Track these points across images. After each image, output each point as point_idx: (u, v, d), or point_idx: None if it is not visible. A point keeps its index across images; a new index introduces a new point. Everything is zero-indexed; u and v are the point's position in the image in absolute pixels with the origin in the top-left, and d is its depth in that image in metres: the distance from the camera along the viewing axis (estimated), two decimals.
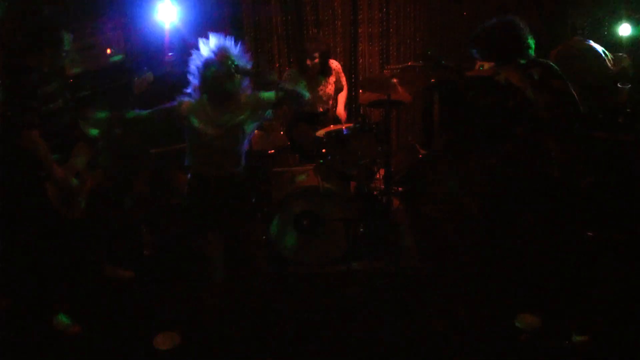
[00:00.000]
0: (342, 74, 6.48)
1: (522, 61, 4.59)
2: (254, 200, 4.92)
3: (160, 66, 6.17)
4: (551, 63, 4.69)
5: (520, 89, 4.54)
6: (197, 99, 4.26)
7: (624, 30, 5.96)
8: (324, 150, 5.62)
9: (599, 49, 5.81)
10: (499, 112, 4.58)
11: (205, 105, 4.25)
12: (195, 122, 4.22)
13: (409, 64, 6.81)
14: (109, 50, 5.80)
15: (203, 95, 4.25)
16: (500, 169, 4.74)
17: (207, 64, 4.20)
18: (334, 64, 6.35)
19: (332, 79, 6.32)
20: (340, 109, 6.45)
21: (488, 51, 4.64)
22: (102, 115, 4.56)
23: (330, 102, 6.47)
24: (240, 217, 4.48)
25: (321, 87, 6.28)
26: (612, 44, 6.02)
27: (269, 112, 4.40)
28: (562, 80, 4.59)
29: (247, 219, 4.55)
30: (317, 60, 6.12)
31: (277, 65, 6.90)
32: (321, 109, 6.36)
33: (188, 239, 4.53)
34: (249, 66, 4.30)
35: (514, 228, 5.29)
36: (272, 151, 5.81)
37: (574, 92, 4.63)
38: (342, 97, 6.50)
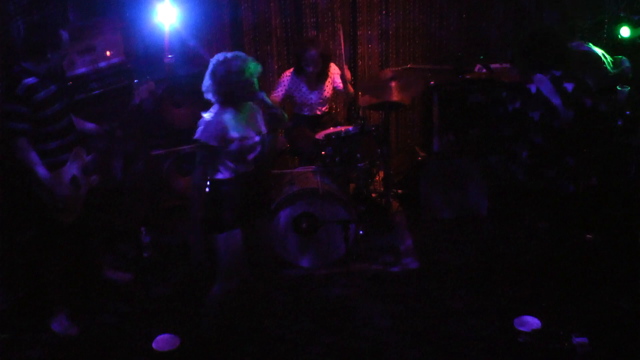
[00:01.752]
0: (339, 77, 6.44)
1: (557, 73, 4.57)
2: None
3: (159, 68, 6.17)
4: (586, 80, 4.69)
5: (550, 101, 4.52)
6: (223, 112, 4.21)
7: (624, 32, 5.96)
8: (323, 153, 5.62)
9: (599, 51, 5.81)
10: (523, 119, 4.56)
11: (235, 115, 4.23)
12: (236, 134, 4.19)
13: (409, 66, 6.82)
14: (108, 53, 5.80)
15: (228, 107, 4.21)
16: (502, 171, 4.73)
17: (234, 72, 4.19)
18: (332, 67, 6.34)
19: (330, 82, 6.30)
20: (348, 88, 6.41)
21: (528, 60, 4.61)
22: None
23: (328, 104, 6.46)
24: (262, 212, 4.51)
25: (319, 92, 6.27)
26: (612, 46, 6.02)
27: None
28: (594, 99, 4.58)
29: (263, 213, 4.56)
30: (317, 66, 6.10)
31: (276, 67, 6.89)
32: (319, 112, 6.36)
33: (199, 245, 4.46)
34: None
35: (514, 230, 5.31)
36: None
37: (606, 111, 4.63)
38: (345, 96, 6.47)
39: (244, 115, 4.23)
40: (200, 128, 4.08)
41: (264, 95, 4.29)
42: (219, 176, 4.21)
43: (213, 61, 4.20)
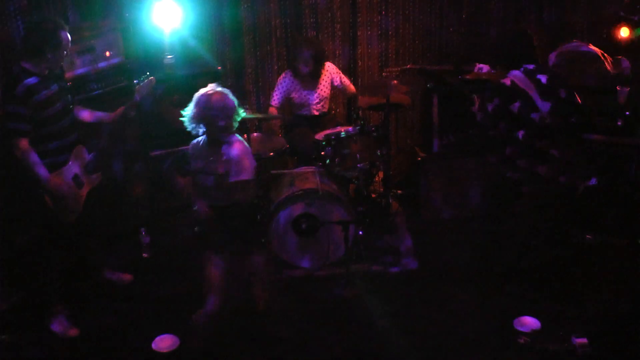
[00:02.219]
0: (338, 73, 6.44)
1: (530, 66, 4.62)
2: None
3: (159, 69, 6.17)
4: (559, 73, 4.76)
5: (526, 92, 4.55)
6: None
7: (623, 32, 5.96)
8: (323, 153, 5.62)
9: (598, 51, 5.81)
10: (503, 115, 4.60)
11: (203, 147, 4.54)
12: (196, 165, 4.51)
13: (408, 66, 6.82)
14: (108, 53, 5.79)
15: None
16: (499, 171, 4.74)
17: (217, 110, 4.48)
18: (327, 65, 6.34)
19: (327, 80, 6.30)
20: (351, 88, 6.48)
21: (498, 56, 4.70)
22: None
23: (327, 104, 6.46)
24: (248, 241, 4.59)
25: (316, 92, 6.28)
26: (611, 46, 6.02)
27: None
28: (569, 90, 4.63)
29: (253, 242, 4.66)
30: (310, 66, 6.12)
31: (276, 67, 6.89)
32: (316, 112, 6.36)
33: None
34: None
35: (513, 231, 5.30)
36: (272, 154, 5.81)
37: (579, 102, 4.66)
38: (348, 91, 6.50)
39: (211, 151, 4.49)
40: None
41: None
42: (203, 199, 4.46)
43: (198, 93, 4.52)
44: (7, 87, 4.50)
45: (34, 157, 4.48)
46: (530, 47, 4.75)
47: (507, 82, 4.62)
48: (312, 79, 6.23)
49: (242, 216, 4.63)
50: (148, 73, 5.11)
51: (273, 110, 6.27)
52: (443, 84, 6.14)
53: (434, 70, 6.59)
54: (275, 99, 6.26)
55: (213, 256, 4.38)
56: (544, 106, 4.56)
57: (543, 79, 4.62)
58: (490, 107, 4.64)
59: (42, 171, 4.51)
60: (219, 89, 4.54)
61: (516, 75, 4.62)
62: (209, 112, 4.46)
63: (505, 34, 4.81)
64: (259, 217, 5.32)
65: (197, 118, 4.48)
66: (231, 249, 4.43)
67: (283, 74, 6.33)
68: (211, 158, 4.51)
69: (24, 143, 4.45)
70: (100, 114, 5.01)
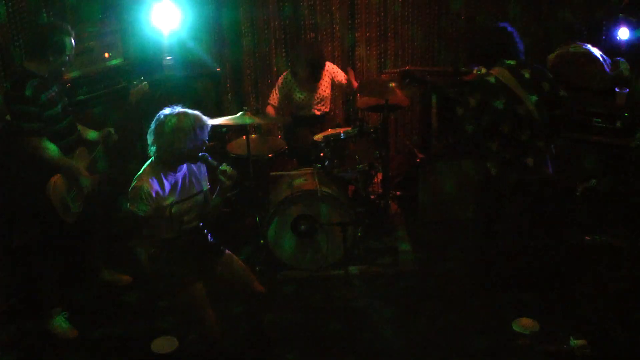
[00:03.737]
0: (338, 72, 6.43)
1: (511, 62, 4.64)
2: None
3: (158, 70, 6.18)
4: (541, 67, 4.77)
5: (510, 87, 4.57)
6: (152, 165, 4.03)
7: (623, 34, 5.96)
8: (322, 155, 5.62)
9: (597, 53, 5.82)
10: (488, 110, 4.61)
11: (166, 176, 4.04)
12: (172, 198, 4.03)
13: (407, 68, 6.82)
14: (106, 55, 5.80)
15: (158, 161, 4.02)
16: (489, 168, 4.74)
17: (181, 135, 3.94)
18: (327, 65, 6.34)
19: (327, 80, 6.31)
20: (353, 82, 6.42)
21: (476, 53, 4.72)
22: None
23: (328, 103, 6.47)
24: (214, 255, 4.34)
25: (317, 92, 6.28)
26: (611, 48, 6.02)
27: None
28: (552, 84, 4.65)
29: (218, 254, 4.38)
30: (307, 70, 6.11)
31: (275, 69, 6.90)
32: (318, 112, 6.36)
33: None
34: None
35: (512, 231, 5.30)
36: (271, 155, 5.81)
37: (564, 95, 4.67)
38: (352, 79, 6.46)
39: (182, 175, 4.08)
40: (130, 193, 3.91)
41: (209, 156, 4.10)
42: (165, 236, 4.08)
43: (159, 115, 4.00)
44: (14, 89, 4.49)
45: (55, 150, 4.51)
46: (511, 43, 4.73)
47: (491, 79, 4.63)
48: (311, 79, 6.24)
49: (209, 228, 4.43)
50: (142, 77, 5.12)
51: (270, 110, 6.26)
52: (442, 85, 6.13)
53: (434, 71, 6.61)
54: (275, 98, 6.26)
55: (191, 284, 4.12)
56: (528, 100, 4.59)
57: (526, 73, 4.64)
58: (474, 101, 4.64)
59: (67, 160, 4.58)
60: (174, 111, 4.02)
61: (499, 71, 4.64)
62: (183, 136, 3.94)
63: (485, 30, 4.77)
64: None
65: (167, 144, 3.94)
66: (203, 272, 4.28)
67: (283, 74, 6.33)
68: (191, 178, 4.15)
69: (40, 141, 4.46)
70: (87, 132, 4.99)
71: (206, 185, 4.25)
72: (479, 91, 4.65)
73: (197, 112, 4.03)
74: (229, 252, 4.35)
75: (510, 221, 4.97)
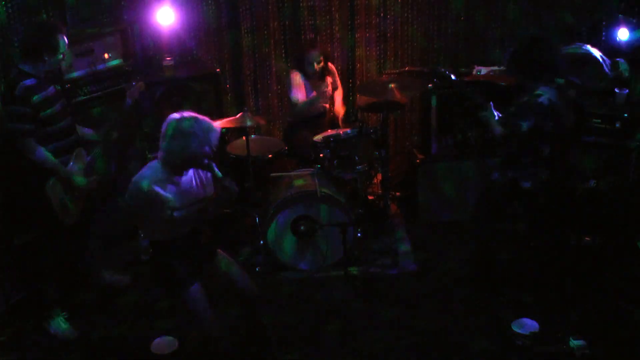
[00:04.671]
0: (337, 74, 6.50)
1: (560, 80, 4.59)
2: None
3: (158, 71, 6.18)
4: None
5: (560, 110, 4.53)
6: (157, 168, 3.99)
7: (622, 35, 5.96)
8: (321, 155, 5.62)
9: (597, 53, 5.82)
10: (536, 132, 4.54)
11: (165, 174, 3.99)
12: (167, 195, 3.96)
13: (407, 69, 6.82)
14: (106, 55, 5.80)
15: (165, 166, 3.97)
16: (512, 181, 4.73)
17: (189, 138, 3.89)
18: (330, 65, 6.39)
19: (330, 80, 6.34)
20: (338, 106, 6.45)
21: (527, 70, 4.60)
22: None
23: (329, 103, 6.49)
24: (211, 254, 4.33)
25: (325, 86, 6.29)
26: (611, 49, 6.03)
27: None
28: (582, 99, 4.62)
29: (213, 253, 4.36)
30: (322, 64, 6.16)
31: (274, 70, 6.89)
32: (327, 105, 6.38)
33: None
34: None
35: (512, 232, 5.31)
36: (270, 156, 5.81)
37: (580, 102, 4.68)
38: (338, 95, 6.50)
39: (188, 179, 4.05)
40: (131, 190, 3.89)
41: (215, 165, 4.03)
42: (160, 238, 4.05)
43: (171, 118, 3.93)
44: (7, 89, 4.51)
45: (43, 153, 4.49)
46: (550, 54, 4.56)
47: (545, 100, 4.51)
48: (319, 77, 6.26)
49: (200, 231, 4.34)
50: (138, 77, 5.12)
51: (299, 99, 6.23)
52: (447, 86, 6.11)
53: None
54: (300, 95, 6.24)
55: (190, 285, 4.21)
56: (570, 120, 4.57)
57: (572, 93, 4.61)
58: (525, 126, 4.53)
59: (55, 163, 4.55)
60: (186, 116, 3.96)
61: (552, 94, 4.52)
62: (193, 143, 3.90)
63: (522, 41, 4.61)
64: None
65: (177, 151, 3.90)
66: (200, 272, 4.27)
67: (295, 73, 6.31)
68: (197, 184, 4.12)
69: (30, 142, 4.46)
70: (86, 131, 4.99)
71: (210, 192, 4.23)
72: (534, 114, 4.52)
73: (207, 118, 4.01)
74: (224, 254, 4.34)
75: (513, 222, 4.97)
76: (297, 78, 6.26)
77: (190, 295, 4.05)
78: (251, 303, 4.37)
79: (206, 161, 3.99)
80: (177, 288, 4.06)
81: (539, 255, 5.24)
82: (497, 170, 4.84)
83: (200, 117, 3.95)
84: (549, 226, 5.11)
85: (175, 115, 3.93)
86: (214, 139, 3.95)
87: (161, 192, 3.87)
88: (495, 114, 4.71)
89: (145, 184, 3.85)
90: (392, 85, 5.71)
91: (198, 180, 4.12)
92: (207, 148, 3.92)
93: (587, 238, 5.38)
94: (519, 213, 5.17)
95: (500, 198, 4.88)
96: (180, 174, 4.01)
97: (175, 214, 3.91)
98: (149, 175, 3.91)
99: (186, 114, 3.94)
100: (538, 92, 4.50)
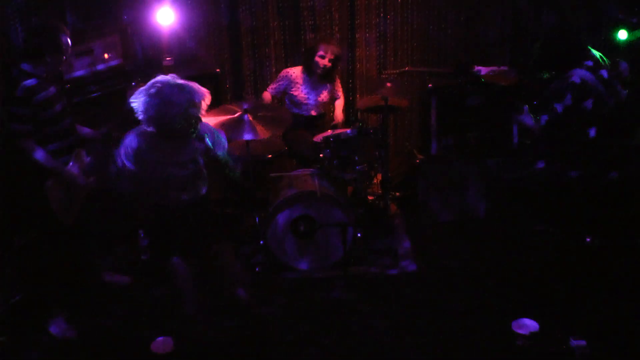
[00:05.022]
0: (339, 84, 6.49)
1: (589, 63, 4.61)
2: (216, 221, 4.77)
3: (157, 71, 6.17)
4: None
5: (597, 89, 4.55)
6: (144, 131, 4.11)
7: (621, 35, 5.96)
8: (321, 155, 5.62)
9: (597, 54, 5.81)
10: (575, 113, 4.56)
11: (154, 138, 4.11)
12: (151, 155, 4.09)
13: (406, 69, 6.82)
14: (106, 55, 5.80)
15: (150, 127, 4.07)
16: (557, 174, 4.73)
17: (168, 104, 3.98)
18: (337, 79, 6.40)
19: (330, 87, 6.33)
20: (339, 113, 6.45)
21: (562, 60, 4.65)
22: None
23: (325, 108, 6.49)
24: (205, 241, 4.40)
25: (318, 93, 6.29)
26: (610, 48, 6.02)
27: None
28: (622, 83, 4.69)
29: (211, 241, 4.45)
30: (328, 63, 6.14)
31: (274, 70, 6.90)
32: (314, 113, 6.37)
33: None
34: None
35: (512, 232, 5.31)
36: (270, 156, 5.81)
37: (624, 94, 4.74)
38: (339, 104, 6.51)
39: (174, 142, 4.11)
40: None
41: (207, 140, 4.15)
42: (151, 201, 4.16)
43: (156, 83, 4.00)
44: (8, 89, 4.50)
45: (42, 154, 4.49)
46: (579, 44, 4.74)
47: (576, 79, 4.56)
48: (320, 81, 6.25)
49: (201, 209, 4.44)
50: (139, 79, 5.12)
51: (267, 95, 6.28)
52: (442, 86, 6.11)
53: (434, 72, 6.60)
54: (273, 88, 6.28)
55: (177, 262, 4.25)
56: (610, 100, 4.58)
57: (604, 73, 4.63)
58: (560, 108, 4.57)
59: (55, 163, 4.54)
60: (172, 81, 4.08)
61: (582, 73, 4.58)
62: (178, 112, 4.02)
63: (551, 37, 4.70)
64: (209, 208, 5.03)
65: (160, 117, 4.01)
66: (192, 249, 4.29)
67: (293, 69, 6.32)
68: (181, 146, 4.17)
69: (29, 143, 4.46)
70: (86, 131, 5.00)
71: (198, 160, 4.22)
72: (569, 93, 4.57)
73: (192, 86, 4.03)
74: (227, 252, 4.34)
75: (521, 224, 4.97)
76: (289, 71, 6.28)
77: (177, 265, 4.03)
78: (241, 306, 4.38)
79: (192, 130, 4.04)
80: (159, 253, 4.07)
81: (539, 254, 5.24)
82: (544, 159, 4.82)
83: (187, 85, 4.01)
84: (550, 226, 5.12)
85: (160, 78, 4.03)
86: (197, 110, 4.01)
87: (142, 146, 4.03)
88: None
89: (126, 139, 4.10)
90: (391, 85, 5.71)
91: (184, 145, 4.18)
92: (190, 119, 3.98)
93: (587, 238, 5.37)
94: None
95: (543, 190, 4.86)
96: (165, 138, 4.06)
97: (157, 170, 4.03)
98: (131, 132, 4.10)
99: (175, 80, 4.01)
100: (568, 74, 4.60)
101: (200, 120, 4.08)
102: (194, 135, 4.05)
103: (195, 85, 4.06)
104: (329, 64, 6.14)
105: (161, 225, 4.20)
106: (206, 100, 4.07)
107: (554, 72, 4.76)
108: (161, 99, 3.92)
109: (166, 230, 4.17)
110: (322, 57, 6.10)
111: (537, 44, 4.76)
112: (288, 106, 6.42)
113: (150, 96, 3.96)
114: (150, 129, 4.03)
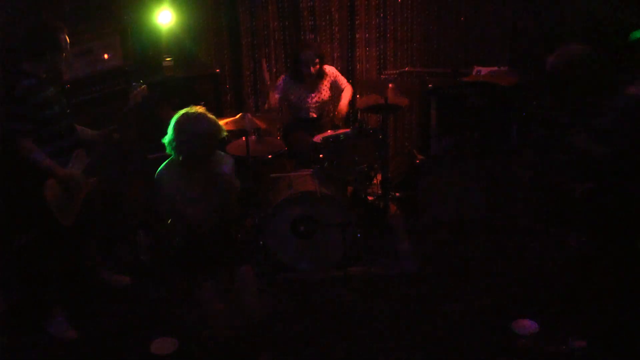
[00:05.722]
0: (340, 76, 6.47)
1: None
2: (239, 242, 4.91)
3: (157, 71, 6.18)
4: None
5: None
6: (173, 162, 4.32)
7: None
8: (321, 156, 5.62)
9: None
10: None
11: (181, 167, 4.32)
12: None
13: (406, 69, 6.83)
14: (106, 56, 5.80)
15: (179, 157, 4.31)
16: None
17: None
18: (328, 68, 6.37)
19: (326, 84, 6.33)
20: (343, 104, 6.42)
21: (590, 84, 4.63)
22: None
23: (325, 108, 6.49)
24: (231, 263, 4.48)
25: (315, 94, 6.29)
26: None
27: None
28: None
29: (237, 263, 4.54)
30: (317, 67, 6.14)
31: (274, 70, 6.90)
32: (315, 115, 6.37)
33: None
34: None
35: (512, 232, 5.31)
36: (270, 156, 5.81)
37: None
38: (346, 94, 6.46)
39: (201, 181, 4.33)
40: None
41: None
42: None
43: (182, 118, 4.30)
44: (7, 89, 4.50)
45: (40, 154, 4.48)
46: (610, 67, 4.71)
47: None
48: (312, 81, 6.25)
49: (224, 234, 4.60)
50: (141, 80, 5.12)
51: (274, 96, 6.27)
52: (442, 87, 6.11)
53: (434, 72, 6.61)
54: (276, 95, 6.27)
55: (204, 283, 4.31)
56: None
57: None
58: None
59: (52, 164, 4.53)
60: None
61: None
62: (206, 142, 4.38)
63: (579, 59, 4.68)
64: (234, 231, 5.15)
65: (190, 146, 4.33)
66: (217, 271, 4.35)
67: (282, 77, 6.35)
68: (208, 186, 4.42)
69: (27, 143, 4.45)
70: (87, 132, 4.99)
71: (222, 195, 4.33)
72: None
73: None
74: (248, 277, 4.42)
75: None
76: (280, 80, 6.30)
77: (204, 286, 4.22)
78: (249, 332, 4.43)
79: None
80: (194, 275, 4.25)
81: (539, 255, 5.24)
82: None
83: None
84: (549, 226, 5.11)
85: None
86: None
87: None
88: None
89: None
90: (391, 86, 5.72)
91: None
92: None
93: (585, 239, 5.37)
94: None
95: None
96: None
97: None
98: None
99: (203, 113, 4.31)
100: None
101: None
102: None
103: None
104: (316, 67, 6.16)
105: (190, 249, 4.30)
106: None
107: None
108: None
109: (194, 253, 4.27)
110: (307, 65, 6.11)
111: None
112: (288, 109, 6.43)
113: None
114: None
